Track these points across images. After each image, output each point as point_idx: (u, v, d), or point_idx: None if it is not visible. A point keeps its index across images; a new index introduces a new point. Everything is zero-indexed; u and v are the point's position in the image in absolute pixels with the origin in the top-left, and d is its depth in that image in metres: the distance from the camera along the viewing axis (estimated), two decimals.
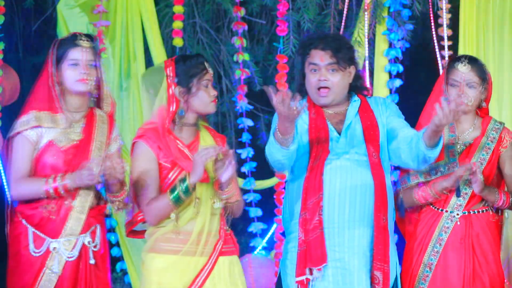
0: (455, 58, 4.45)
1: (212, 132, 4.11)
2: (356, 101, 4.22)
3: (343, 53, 4.13)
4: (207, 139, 4.01)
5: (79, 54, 4.12)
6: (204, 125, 4.07)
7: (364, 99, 4.25)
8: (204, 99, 3.93)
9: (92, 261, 4.10)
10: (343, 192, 4.06)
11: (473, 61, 4.38)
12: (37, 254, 4.04)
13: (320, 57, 4.13)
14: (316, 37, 4.24)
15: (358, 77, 4.24)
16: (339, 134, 4.15)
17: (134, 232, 4.09)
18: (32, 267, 4.03)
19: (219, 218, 3.96)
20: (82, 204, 4.08)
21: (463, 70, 4.33)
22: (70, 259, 4.06)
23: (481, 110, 4.44)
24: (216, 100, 3.99)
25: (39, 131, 4.09)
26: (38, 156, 4.09)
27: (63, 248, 4.05)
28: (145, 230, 4.04)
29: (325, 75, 4.12)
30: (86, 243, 4.09)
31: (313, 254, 4.02)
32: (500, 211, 4.42)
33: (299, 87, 4.28)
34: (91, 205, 4.11)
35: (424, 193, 4.36)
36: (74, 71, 4.12)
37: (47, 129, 4.09)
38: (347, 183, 4.07)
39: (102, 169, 3.91)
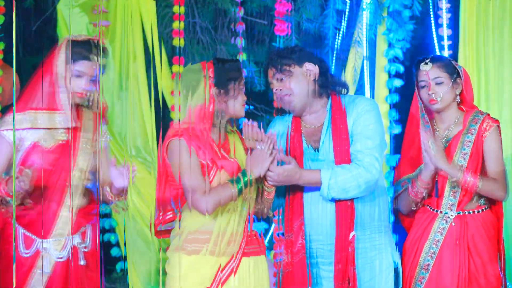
0: (417, 61, 4.49)
1: (240, 136, 4.13)
2: (328, 110, 4.19)
3: (284, 59, 4.19)
4: (236, 142, 4.03)
5: (87, 69, 4.08)
6: (232, 129, 4.10)
7: (336, 102, 4.21)
8: (240, 102, 4.01)
9: (82, 262, 4.10)
10: (324, 213, 4.09)
11: (436, 59, 4.44)
12: (27, 255, 4.04)
13: (269, 75, 4.26)
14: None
15: (324, 73, 4.24)
16: (315, 150, 4.18)
17: (160, 232, 4.11)
18: (22, 268, 4.02)
19: (244, 218, 4.00)
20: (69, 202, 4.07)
21: (426, 68, 4.38)
22: (60, 260, 4.07)
23: (465, 105, 4.44)
24: (245, 105, 4.08)
25: (20, 134, 4.04)
26: (23, 158, 4.06)
27: (52, 249, 4.06)
28: (169, 230, 4.08)
29: (277, 86, 4.21)
30: (76, 244, 4.10)
31: (296, 277, 4.10)
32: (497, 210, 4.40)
33: None
34: (80, 204, 4.11)
35: (415, 189, 4.33)
36: (75, 81, 4.08)
37: (32, 130, 4.05)
38: (327, 203, 4.09)
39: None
